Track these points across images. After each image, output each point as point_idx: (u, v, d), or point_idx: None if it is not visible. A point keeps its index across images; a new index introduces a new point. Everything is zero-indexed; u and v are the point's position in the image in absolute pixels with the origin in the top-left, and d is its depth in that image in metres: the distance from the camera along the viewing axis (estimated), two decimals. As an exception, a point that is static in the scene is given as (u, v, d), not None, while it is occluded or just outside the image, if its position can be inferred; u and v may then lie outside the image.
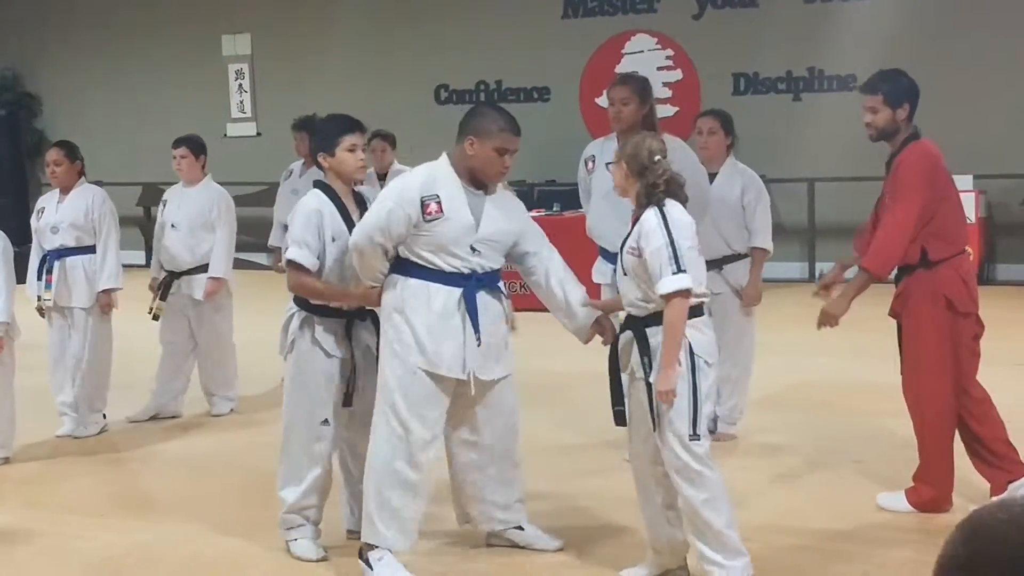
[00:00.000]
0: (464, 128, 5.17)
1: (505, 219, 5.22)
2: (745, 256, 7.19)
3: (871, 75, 5.82)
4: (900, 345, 5.83)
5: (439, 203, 5.05)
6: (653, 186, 4.78)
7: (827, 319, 5.73)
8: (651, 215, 4.74)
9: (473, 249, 5.09)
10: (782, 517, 5.79)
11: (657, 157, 4.83)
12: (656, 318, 4.72)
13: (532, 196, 14.30)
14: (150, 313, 8.18)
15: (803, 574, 5.13)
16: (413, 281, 5.05)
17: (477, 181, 5.15)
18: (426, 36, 15.40)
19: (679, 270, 4.62)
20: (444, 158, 5.19)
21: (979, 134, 12.34)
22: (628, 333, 4.87)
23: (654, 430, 4.75)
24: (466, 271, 5.09)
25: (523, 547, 5.49)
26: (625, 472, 6.62)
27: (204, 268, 8.13)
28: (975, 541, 1.43)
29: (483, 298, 5.14)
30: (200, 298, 8.11)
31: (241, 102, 16.57)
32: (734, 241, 7.14)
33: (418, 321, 5.03)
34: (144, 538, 5.83)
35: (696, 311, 4.73)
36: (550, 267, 5.37)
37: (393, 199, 5.07)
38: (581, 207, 7.23)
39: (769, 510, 5.93)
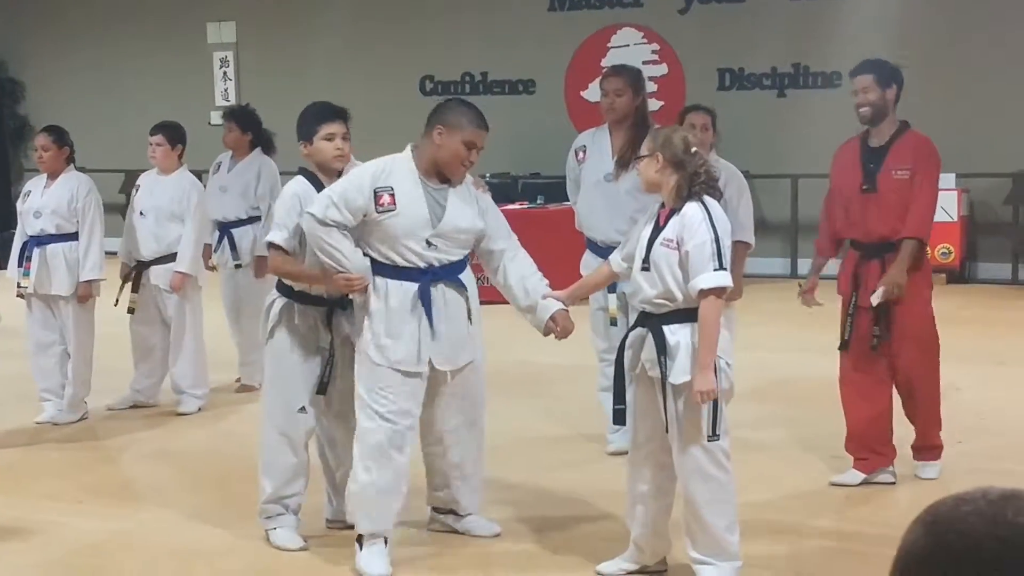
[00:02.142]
0: (433, 119, 5.21)
1: (468, 215, 5.22)
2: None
3: (858, 63, 6.12)
4: (875, 326, 6.01)
5: (392, 195, 5.06)
6: (694, 176, 4.70)
7: (895, 289, 5.87)
8: (696, 208, 4.66)
9: (429, 243, 5.09)
10: (762, 511, 5.80)
11: (694, 148, 4.76)
12: (676, 316, 4.66)
13: (516, 188, 14.28)
14: (116, 304, 8.07)
15: (783, 567, 5.15)
16: (374, 277, 5.06)
17: (440, 175, 5.16)
18: (412, 27, 15.37)
19: (720, 267, 4.57)
20: (408, 150, 5.20)
21: (961, 133, 12.36)
22: (640, 330, 4.78)
23: (667, 430, 4.70)
24: (422, 265, 5.10)
25: (461, 532, 5.51)
26: (605, 464, 6.66)
27: (170, 258, 7.92)
28: (940, 534, 1.43)
29: (441, 291, 5.15)
30: (165, 288, 7.94)
31: (226, 90, 16.52)
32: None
33: (377, 319, 5.06)
34: (125, 525, 5.82)
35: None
36: (513, 263, 5.38)
37: (345, 183, 5.10)
38: (566, 200, 7.24)
39: (749, 504, 5.94)
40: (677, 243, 4.63)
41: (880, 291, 5.89)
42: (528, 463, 6.70)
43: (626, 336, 4.92)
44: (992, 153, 12.69)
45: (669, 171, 4.72)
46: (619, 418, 4.95)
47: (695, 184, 4.69)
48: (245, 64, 16.49)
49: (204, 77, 16.53)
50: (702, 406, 4.59)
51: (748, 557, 4.94)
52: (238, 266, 8.56)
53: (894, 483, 6.16)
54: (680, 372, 4.63)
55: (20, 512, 6.03)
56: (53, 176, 7.82)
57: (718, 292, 4.58)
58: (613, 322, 6.69)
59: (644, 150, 4.88)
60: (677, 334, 4.64)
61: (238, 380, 8.61)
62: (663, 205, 4.80)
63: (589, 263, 6.77)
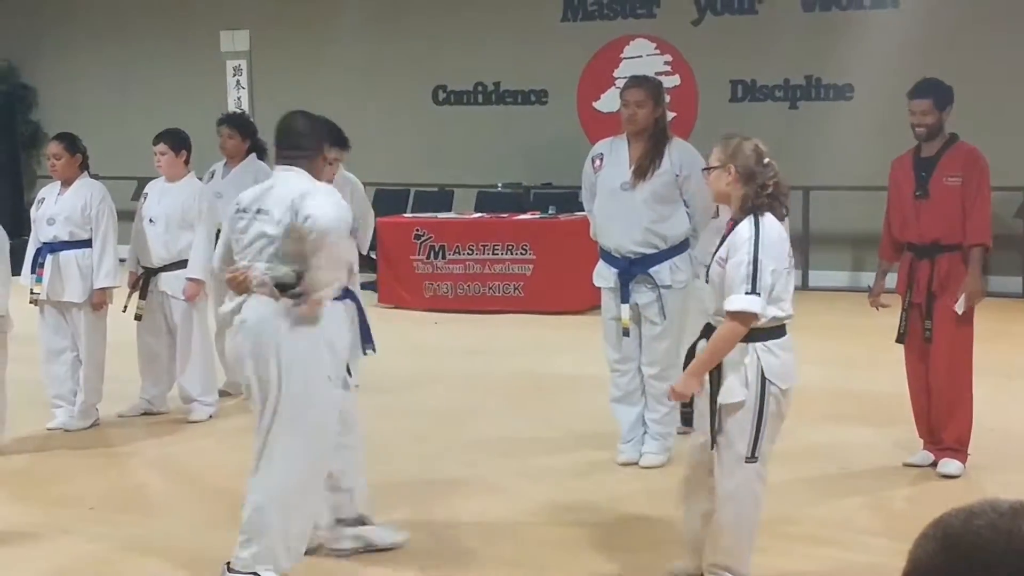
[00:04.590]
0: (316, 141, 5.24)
1: None
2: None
3: (918, 82, 6.65)
4: (926, 320, 6.44)
5: None
6: (762, 188, 4.58)
7: (976, 296, 6.43)
8: (745, 226, 4.54)
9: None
10: (768, 522, 5.79)
11: (767, 159, 4.64)
12: None
13: (528, 198, 14.31)
14: (124, 311, 8.08)
15: (795, 575, 5.15)
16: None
17: None
18: (425, 36, 15.40)
19: (752, 291, 4.44)
20: (304, 173, 5.04)
21: (975, 145, 12.33)
22: (703, 342, 4.71)
23: (711, 448, 4.65)
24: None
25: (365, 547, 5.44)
26: (615, 474, 6.66)
27: (179, 265, 7.91)
28: (956, 548, 1.43)
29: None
30: (172, 294, 7.92)
31: (239, 98, 16.55)
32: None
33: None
34: (134, 532, 5.83)
35: (775, 332, 4.57)
36: None
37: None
38: (578, 210, 7.25)
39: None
40: (726, 261, 4.55)
41: (962, 300, 6.37)
42: (538, 472, 6.70)
43: (694, 345, 4.83)
44: (1002, 167, 12.59)
45: (739, 183, 4.61)
46: (685, 420, 4.97)
47: (760, 197, 4.57)
48: (258, 72, 16.52)
49: (217, 85, 16.56)
50: (742, 424, 4.53)
51: (754, 565, 4.93)
52: None
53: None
54: (728, 392, 4.57)
55: (30, 518, 6.04)
56: (67, 183, 7.82)
57: (744, 317, 4.45)
58: (626, 332, 6.69)
59: (714, 160, 4.73)
60: (733, 353, 4.55)
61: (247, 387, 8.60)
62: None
63: (602, 273, 6.77)
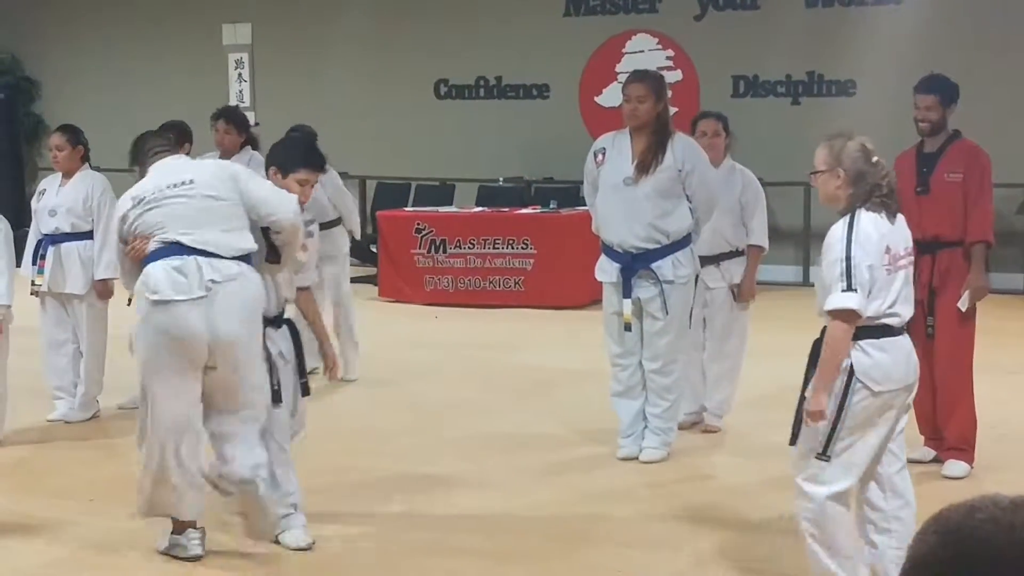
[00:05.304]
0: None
1: None
2: (742, 254, 7.26)
3: (924, 77, 6.71)
4: (928, 316, 6.36)
5: None
6: (875, 188, 4.44)
7: (980, 293, 6.44)
8: (839, 225, 4.43)
9: None
10: (771, 516, 5.80)
11: (875, 157, 4.49)
12: None
13: (530, 192, 14.30)
14: (129, 304, 8.07)
15: (796, 572, 5.15)
16: None
17: None
18: (427, 30, 15.38)
19: (848, 288, 4.33)
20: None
21: (977, 141, 12.32)
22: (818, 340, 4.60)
23: (791, 442, 4.58)
24: None
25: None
26: (615, 468, 6.66)
27: None
28: (958, 543, 1.43)
29: None
30: None
31: (240, 91, 16.55)
32: (732, 238, 7.21)
33: None
34: (134, 524, 5.82)
35: (872, 331, 4.44)
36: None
37: None
38: (579, 205, 7.24)
39: (759, 509, 5.95)
40: (822, 259, 4.48)
41: (966, 296, 6.37)
42: (538, 466, 6.70)
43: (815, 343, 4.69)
44: (1003, 163, 12.61)
45: (849, 185, 4.46)
46: (796, 438, 4.66)
47: (873, 197, 4.43)
48: (260, 66, 16.51)
49: (219, 78, 16.55)
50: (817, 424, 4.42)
51: (761, 559, 4.93)
52: None
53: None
54: (812, 387, 4.49)
55: (30, 509, 6.05)
56: (68, 175, 7.83)
57: (844, 315, 4.35)
58: (628, 327, 6.68)
59: (819, 164, 4.58)
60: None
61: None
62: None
63: (604, 267, 6.76)
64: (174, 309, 5.10)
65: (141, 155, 5.67)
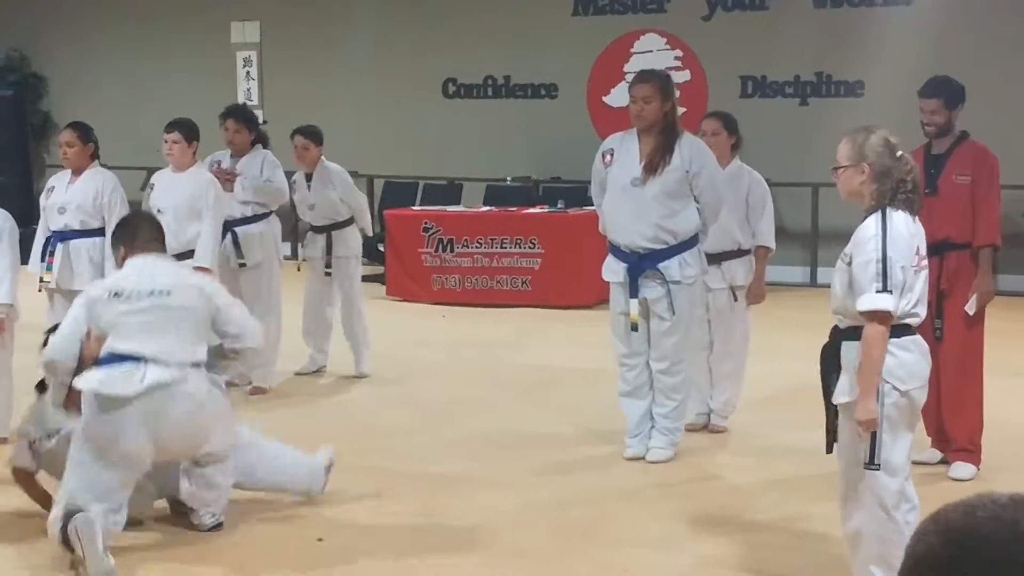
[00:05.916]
0: (114, 240, 5.82)
1: None
2: (745, 253, 7.25)
3: (928, 81, 6.64)
4: (936, 319, 6.30)
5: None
6: (900, 183, 4.38)
7: (988, 296, 6.43)
8: (871, 222, 4.36)
9: None
10: (778, 517, 5.80)
11: (899, 152, 4.42)
12: (854, 332, 4.40)
13: (537, 192, 14.31)
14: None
15: (802, 573, 5.14)
16: None
17: None
18: (435, 29, 15.39)
19: (884, 289, 4.26)
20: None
21: (986, 142, 12.31)
22: (829, 343, 4.56)
23: (827, 451, 4.52)
24: None
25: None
26: (623, 468, 6.66)
27: (187, 255, 7.84)
28: (959, 541, 1.43)
29: None
30: None
31: (248, 90, 16.56)
32: (737, 236, 7.19)
33: None
34: (133, 521, 5.83)
35: (896, 331, 4.35)
36: None
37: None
38: (587, 205, 7.24)
39: (765, 509, 5.95)
40: (850, 258, 4.39)
41: (973, 300, 6.36)
42: (544, 466, 6.70)
43: (824, 348, 4.67)
44: (1012, 165, 12.61)
45: (874, 181, 4.40)
46: (831, 447, 4.62)
47: (898, 194, 4.37)
48: (268, 64, 16.52)
49: (227, 76, 16.57)
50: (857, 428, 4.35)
51: (763, 560, 4.93)
52: (242, 265, 8.50)
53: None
54: (841, 392, 4.44)
55: (31, 507, 6.03)
56: (77, 172, 7.83)
57: (880, 316, 4.28)
58: (635, 327, 6.68)
59: (842, 159, 4.52)
60: (849, 352, 4.42)
61: (250, 383, 8.55)
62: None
63: (611, 267, 6.76)
64: (114, 408, 5.20)
65: (128, 239, 5.68)
